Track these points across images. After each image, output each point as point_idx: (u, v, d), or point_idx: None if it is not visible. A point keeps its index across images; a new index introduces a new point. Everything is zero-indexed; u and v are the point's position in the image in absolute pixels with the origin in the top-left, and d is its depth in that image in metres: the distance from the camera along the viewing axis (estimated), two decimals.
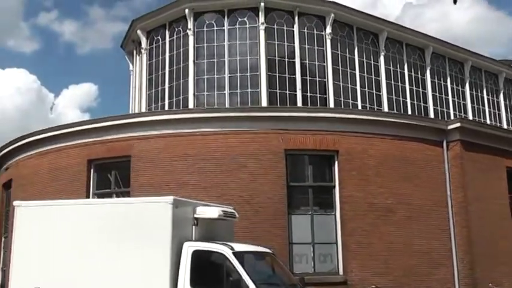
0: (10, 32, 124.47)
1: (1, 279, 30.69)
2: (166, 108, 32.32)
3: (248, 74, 31.46)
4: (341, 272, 21.88)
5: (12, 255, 15.88)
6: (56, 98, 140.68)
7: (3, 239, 31.80)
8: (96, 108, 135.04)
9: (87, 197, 24.31)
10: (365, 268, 21.79)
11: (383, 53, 34.77)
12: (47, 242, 15.00)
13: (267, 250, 14.69)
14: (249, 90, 31.20)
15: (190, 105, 31.12)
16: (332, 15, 32.54)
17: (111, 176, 24.90)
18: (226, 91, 31.07)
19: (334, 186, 22.86)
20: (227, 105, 30.19)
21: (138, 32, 35.04)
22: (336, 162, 22.97)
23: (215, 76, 31.56)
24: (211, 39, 32.16)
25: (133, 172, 23.62)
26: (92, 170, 25.19)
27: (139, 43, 35.82)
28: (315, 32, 32.66)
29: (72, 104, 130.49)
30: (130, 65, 38.28)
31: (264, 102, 30.38)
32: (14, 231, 16.03)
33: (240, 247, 13.37)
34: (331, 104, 31.54)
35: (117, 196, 23.58)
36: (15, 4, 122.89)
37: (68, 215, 15.06)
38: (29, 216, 15.79)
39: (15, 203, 16.38)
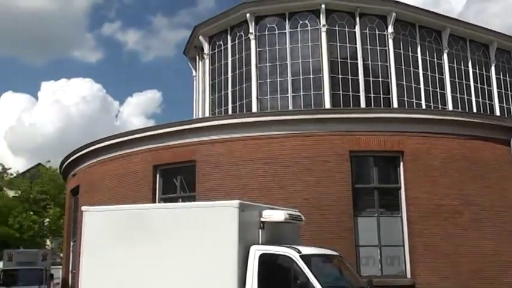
0: (76, 44, 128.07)
1: (71, 282, 31.72)
2: (230, 112, 32.58)
3: (311, 76, 31.42)
4: (409, 275, 21.55)
5: (81, 259, 16.09)
6: (120, 105, 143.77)
7: (72, 243, 32.80)
8: (161, 114, 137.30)
9: (153, 202, 24.58)
10: (433, 271, 21.37)
11: (446, 51, 34.21)
12: (115, 246, 15.16)
13: (334, 253, 14.56)
14: (312, 92, 31.16)
15: (254, 109, 31.27)
16: (394, 14, 32.24)
17: (177, 180, 25.12)
18: (289, 94, 31.09)
19: (400, 188, 22.49)
20: (290, 108, 30.20)
21: (200, 38, 35.37)
22: (401, 163, 22.63)
23: (278, 79, 31.64)
24: (273, 43, 32.29)
25: (198, 177, 23.80)
26: (157, 175, 25.47)
27: (202, 49, 36.17)
28: (377, 32, 32.49)
29: (137, 111, 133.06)
30: (193, 71, 38.71)
31: (327, 104, 30.25)
32: (83, 236, 16.31)
33: (307, 250, 13.25)
34: (395, 104, 31.24)
35: (183, 201, 23.72)
36: (81, 17, 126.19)
37: (134, 219, 15.21)
38: (97, 220, 16.02)
39: (83, 208, 16.64)
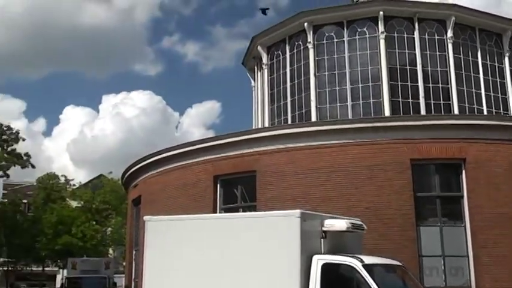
0: (136, 57, 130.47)
1: None
2: (289, 122, 32.55)
3: (370, 84, 31.12)
4: (473, 285, 21.17)
5: (144, 267, 16.34)
6: (180, 116, 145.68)
7: (134, 252, 33.31)
8: (220, 124, 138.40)
9: (214, 212, 24.79)
10: (498, 282, 20.86)
11: (508, 54, 33.27)
12: (177, 255, 15.29)
13: (397, 263, 14.38)
14: (371, 100, 30.88)
15: (313, 118, 31.17)
16: (453, 18, 31.61)
17: (237, 190, 25.38)
18: (349, 102, 30.90)
19: (462, 196, 22.18)
20: (350, 117, 30.03)
21: (259, 48, 35.54)
22: (463, 171, 22.31)
23: (337, 88, 31.43)
24: (331, 52, 32.10)
25: (259, 186, 23.99)
26: (218, 186, 25.79)
27: (260, 59, 36.36)
28: (436, 37, 31.86)
29: (197, 121, 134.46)
30: (252, 81, 38.87)
31: (387, 112, 29.97)
32: (145, 245, 16.50)
33: (369, 259, 13.13)
34: (456, 111, 30.62)
35: (244, 211, 23.86)
36: (141, 30, 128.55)
37: (196, 229, 15.33)
38: (159, 230, 16.18)
39: (145, 217, 16.85)
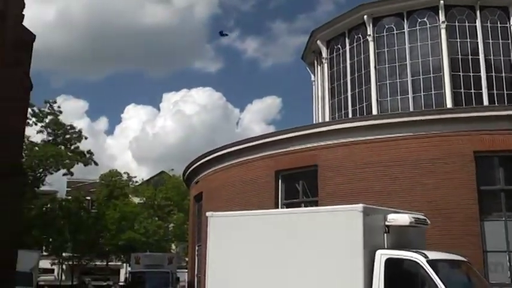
0: (196, 55, 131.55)
1: (197, 285, 33.05)
2: (350, 116, 32.48)
3: (431, 75, 30.73)
4: None
5: (207, 263, 16.55)
6: (241, 112, 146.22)
7: (197, 248, 33.80)
8: (280, 120, 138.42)
9: (276, 207, 24.92)
10: None
11: None
12: (239, 250, 15.46)
13: (462, 258, 14.17)
14: (433, 92, 30.46)
15: (374, 111, 31.04)
16: None
17: (299, 185, 25.45)
18: (410, 95, 30.61)
19: None
20: (411, 109, 29.73)
21: (318, 42, 35.53)
22: None
23: (397, 80, 31.22)
24: (391, 43, 31.89)
25: (320, 181, 24.02)
26: (279, 181, 25.88)
27: (320, 53, 36.34)
28: (499, 24, 31.01)
29: (257, 117, 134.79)
30: (312, 76, 38.86)
31: (449, 104, 29.54)
32: (208, 240, 16.71)
33: (434, 255, 12.95)
34: None
35: (306, 206, 23.86)
36: (201, 28, 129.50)
37: (258, 224, 15.46)
38: (221, 226, 16.40)
39: (207, 214, 17.04)
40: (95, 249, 59.23)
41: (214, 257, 16.31)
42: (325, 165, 23.93)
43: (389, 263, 12.73)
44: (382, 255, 12.87)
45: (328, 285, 13.27)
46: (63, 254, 59.88)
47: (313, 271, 13.63)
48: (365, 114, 31.15)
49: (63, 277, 62.49)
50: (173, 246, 62.29)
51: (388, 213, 13.69)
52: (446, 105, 29.32)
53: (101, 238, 59.10)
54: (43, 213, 55.20)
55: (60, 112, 54.22)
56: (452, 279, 12.87)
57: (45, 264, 60.35)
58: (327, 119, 34.25)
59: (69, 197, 60.62)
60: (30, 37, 28.35)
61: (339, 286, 13.04)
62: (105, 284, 32.98)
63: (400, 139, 22.68)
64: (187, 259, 45.91)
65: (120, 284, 47.60)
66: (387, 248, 13.17)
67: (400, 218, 13.56)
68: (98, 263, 64.89)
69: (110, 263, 66.27)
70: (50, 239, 57.86)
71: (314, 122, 35.43)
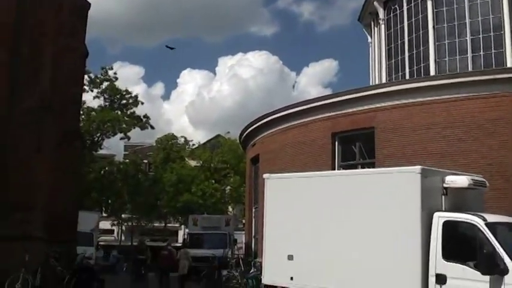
0: (252, 19, 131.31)
1: (254, 247, 33.71)
2: (407, 77, 31.93)
3: (491, 34, 29.79)
4: None
5: (264, 224, 16.80)
6: (297, 76, 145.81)
7: (254, 210, 34.32)
8: (337, 83, 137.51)
9: (332, 169, 24.93)
10: None
11: None
12: (296, 212, 15.61)
13: None
14: (493, 51, 29.58)
15: (432, 72, 30.46)
16: None
17: (355, 147, 25.48)
18: (469, 54, 29.86)
19: None
20: (470, 69, 28.95)
21: (375, 3, 35.16)
22: None
23: (456, 40, 30.49)
24: (450, 2, 31.02)
25: (377, 143, 24.00)
26: (336, 143, 25.97)
27: (377, 14, 35.95)
28: None
29: (313, 80, 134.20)
30: (369, 38, 38.58)
31: (510, 63, 28.68)
32: (265, 202, 16.98)
33: (492, 218, 12.70)
34: None
35: (362, 168, 23.83)
36: None
37: (315, 186, 15.50)
38: (279, 187, 16.53)
39: (264, 175, 17.19)
40: (154, 211, 60.18)
41: (271, 218, 16.52)
42: (382, 127, 23.86)
43: (447, 225, 12.59)
44: (439, 218, 12.72)
45: (385, 248, 13.27)
46: (123, 216, 61.11)
47: (369, 233, 13.68)
48: (422, 75, 30.58)
49: (123, 238, 63.69)
50: (230, 209, 62.71)
51: (446, 175, 13.46)
52: (506, 65, 28.50)
53: (159, 200, 59.95)
54: (101, 176, 56.49)
55: (116, 78, 55.04)
56: (510, 242, 12.47)
57: (105, 225, 61.67)
58: (384, 81, 33.82)
59: (127, 160, 61.71)
60: (86, 5, 28.81)
61: (396, 249, 13.01)
62: (163, 244, 33.69)
63: (459, 100, 22.30)
64: (244, 221, 46.73)
65: (178, 245, 48.27)
66: (445, 211, 12.99)
67: (459, 180, 13.33)
68: (156, 224, 65.94)
69: (168, 225, 67.27)
70: (109, 201, 59.15)
71: (371, 84, 34.90)
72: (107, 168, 58.00)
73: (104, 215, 60.50)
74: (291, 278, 15.40)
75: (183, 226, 64.98)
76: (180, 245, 47.24)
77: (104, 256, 43.28)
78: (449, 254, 12.42)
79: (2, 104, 21.73)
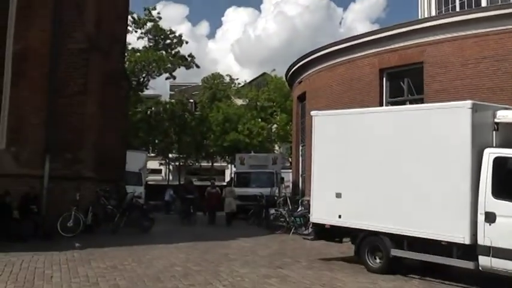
0: None
1: (301, 185, 33.98)
2: (458, 9, 31.23)
3: None
4: None
5: (312, 162, 17.00)
6: (344, 12, 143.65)
7: (300, 148, 34.60)
8: (385, 18, 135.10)
9: (380, 105, 24.84)
10: None
11: None
12: (344, 148, 15.76)
13: None
14: None
15: (483, 3, 29.80)
16: None
17: (404, 83, 25.27)
18: None
19: None
20: None
21: None
22: None
23: None
24: None
25: (426, 78, 23.72)
26: (384, 79, 25.79)
27: None
28: None
29: (361, 16, 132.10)
30: None
31: None
32: (312, 140, 17.12)
33: None
34: None
35: (411, 104, 23.63)
36: None
37: (364, 122, 15.57)
38: (326, 124, 16.66)
39: (312, 113, 17.34)
40: (200, 150, 60.71)
41: (319, 156, 16.68)
42: (431, 61, 23.54)
43: (498, 161, 12.39)
44: (490, 154, 12.55)
45: (435, 185, 13.20)
46: (170, 155, 61.73)
47: (419, 170, 13.63)
48: (474, 6, 29.83)
49: (171, 177, 64.86)
50: (276, 147, 62.68)
51: (498, 109, 13.23)
52: None
53: (206, 140, 60.34)
54: (148, 116, 57.01)
55: (160, 18, 54.96)
56: None
57: (153, 164, 62.82)
58: (434, 14, 33.26)
59: (173, 100, 61.86)
60: None
61: (446, 184, 12.94)
62: (210, 184, 34.24)
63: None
64: (291, 159, 46.65)
65: (224, 184, 48.72)
66: (496, 146, 12.81)
67: (511, 115, 13.06)
68: (203, 163, 66.60)
69: (215, 164, 67.86)
70: (156, 141, 59.70)
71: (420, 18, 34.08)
72: (153, 109, 58.33)
73: (152, 154, 61.11)
74: (339, 216, 15.59)
75: (230, 165, 65.37)
76: (226, 184, 47.54)
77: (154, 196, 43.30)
78: (499, 191, 12.22)
79: (47, 45, 22.03)
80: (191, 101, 65.87)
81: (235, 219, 31.60)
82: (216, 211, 31.52)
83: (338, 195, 15.57)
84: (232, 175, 44.40)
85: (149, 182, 51.48)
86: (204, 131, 58.97)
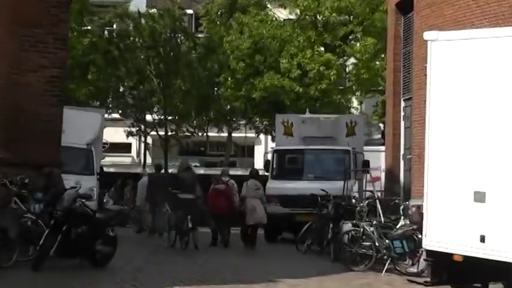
0: None
1: (403, 176, 35.57)
2: None
3: None
4: None
5: (426, 132, 17.98)
6: None
7: (402, 104, 36.16)
8: None
9: None
10: None
11: None
12: (491, 106, 16.60)
13: None
14: None
15: None
16: None
17: None
18: None
19: None
20: None
21: None
22: None
23: None
24: None
25: None
26: None
27: None
28: None
29: None
30: None
31: None
32: (428, 87, 17.89)
33: None
34: None
35: None
36: None
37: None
38: (455, 57, 17.40)
39: (427, 35, 18.27)
40: (207, 108, 61.14)
41: (441, 119, 17.60)
42: None
43: None
44: None
45: None
46: (148, 118, 62.33)
47: None
48: None
49: (149, 158, 67.51)
50: (354, 102, 61.81)
51: None
52: None
53: (217, 87, 60.92)
54: (106, 41, 58.70)
55: None
56: None
57: (116, 135, 64.19)
58: None
59: (153, 11, 62.88)
60: None
61: None
62: (218, 173, 33.52)
63: None
64: (382, 127, 48.60)
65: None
66: None
67: None
68: (212, 134, 67.38)
69: (234, 135, 67.97)
70: (122, 89, 61.47)
71: None
72: (115, 27, 59.88)
73: (115, 116, 62.39)
74: (482, 239, 16.19)
75: (263, 137, 67.19)
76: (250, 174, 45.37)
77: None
78: None
79: None
80: (189, 12, 66.72)
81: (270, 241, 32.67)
82: (229, 222, 32.18)
83: (479, 197, 16.25)
84: (269, 156, 42.24)
85: (108, 169, 52.35)
86: (214, 69, 58.68)
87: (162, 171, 44.33)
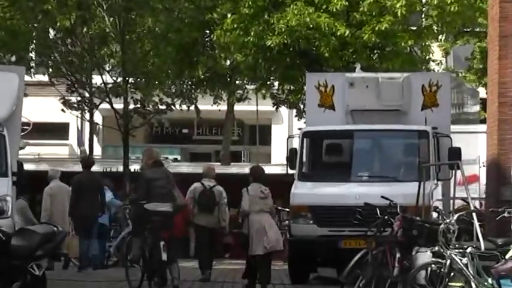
0: None
1: None
2: None
3: None
4: None
5: None
6: None
7: None
8: None
9: None
10: None
11: None
12: None
13: None
14: None
15: None
16: None
17: None
18: None
19: None
20: None
21: None
22: None
23: None
24: None
25: None
26: None
27: None
28: None
29: None
30: None
31: None
32: None
33: None
34: None
35: None
36: None
37: None
38: None
39: None
40: (193, 65, 60.38)
41: None
42: None
43: None
44: None
45: None
46: (95, 82, 62.52)
47: None
48: None
49: (99, 148, 68.62)
50: (435, 51, 61.73)
51: None
52: None
53: (213, 29, 60.46)
54: None
55: None
56: None
57: (48, 109, 66.53)
58: None
59: None
60: None
61: None
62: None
63: None
64: (481, 91, 49.94)
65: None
66: None
67: None
68: (203, 106, 66.37)
69: (242, 108, 67.08)
70: (51, 37, 62.48)
71: None
72: None
73: (41, 79, 63.13)
74: None
75: (284, 112, 68.46)
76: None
77: None
78: None
79: None
80: None
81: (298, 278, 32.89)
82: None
83: None
84: (296, 142, 42.17)
85: (29, 165, 51.21)
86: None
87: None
